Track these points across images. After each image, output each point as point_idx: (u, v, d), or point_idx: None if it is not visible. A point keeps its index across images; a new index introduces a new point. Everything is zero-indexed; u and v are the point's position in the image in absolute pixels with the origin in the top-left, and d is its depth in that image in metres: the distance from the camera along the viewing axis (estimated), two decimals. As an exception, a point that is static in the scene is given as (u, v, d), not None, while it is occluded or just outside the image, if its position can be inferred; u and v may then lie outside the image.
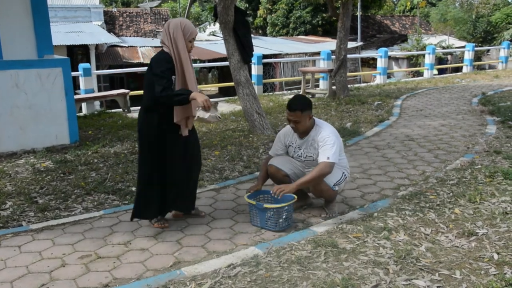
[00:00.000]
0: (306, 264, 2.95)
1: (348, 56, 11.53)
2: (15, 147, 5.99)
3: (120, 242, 3.44)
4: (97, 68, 17.94)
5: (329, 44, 19.37)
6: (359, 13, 23.53)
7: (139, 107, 3.66)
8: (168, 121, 3.43)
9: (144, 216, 3.67)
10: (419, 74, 18.64)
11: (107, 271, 3.02)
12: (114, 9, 26.98)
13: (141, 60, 18.76)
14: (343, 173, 3.85)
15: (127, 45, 20.41)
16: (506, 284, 2.65)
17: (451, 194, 4.16)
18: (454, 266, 2.90)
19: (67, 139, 6.35)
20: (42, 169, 5.31)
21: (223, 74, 20.82)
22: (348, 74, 12.39)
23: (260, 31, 27.45)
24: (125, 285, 2.83)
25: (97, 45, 18.41)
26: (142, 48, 20.49)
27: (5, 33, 6.53)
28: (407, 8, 36.26)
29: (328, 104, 9.60)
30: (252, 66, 11.96)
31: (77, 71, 9.68)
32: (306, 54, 19.21)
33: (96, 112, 9.11)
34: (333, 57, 11.36)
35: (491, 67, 21.15)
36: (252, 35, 7.60)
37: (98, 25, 21.73)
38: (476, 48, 17.75)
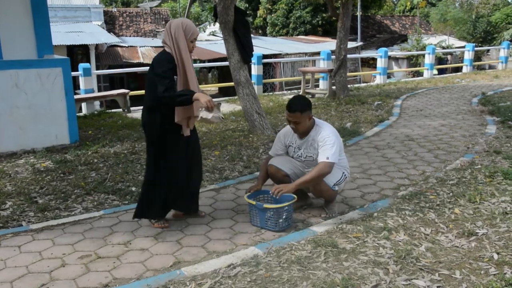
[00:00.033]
0: (306, 264, 2.95)
1: (348, 56, 11.53)
2: (15, 147, 5.99)
3: (120, 242, 3.44)
4: (97, 68, 17.94)
5: (329, 44, 19.37)
6: (359, 13, 23.54)
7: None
8: (170, 121, 3.44)
9: (147, 216, 3.67)
10: (419, 74, 18.64)
11: (107, 271, 3.02)
12: (114, 9, 26.99)
13: (141, 60, 18.77)
14: (343, 173, 3.85)
15: (127, 45, 20.41)
16: (506, 284, 2.65)
17: (451, 194, 4.16)
18: (454, 266, 2.90)
19: (67, 139, 6.35)
20: (42, 169, 5.31)
21: (223, 74, 20.82)
22: (348, 74, 12.39)
23: (260, 31, 27.45)
24: (125, 285, 2.83)
25: (97, 45, 18.41)
26: (142, 48, 20.50)
27: (5, 33, 6.53)
28: (407, 8, 36.27)
29: (328, 104, 9.60)
30: (252, 66, 11.96)
31: (77, 71, 9.67)
32: (306, 54, 19.22)
33: (96, 112, 9.10)
34: (333, 57, 11.36)
35: (491, 67, 21.16)
36: (252, 35, 7.60)
37: (98, 25, 21.73)
38: (476, 48, 17.75)
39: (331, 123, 6.49)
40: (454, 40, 26.18)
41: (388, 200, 4.11)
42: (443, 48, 22.22)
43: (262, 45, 18.76)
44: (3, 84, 5.85)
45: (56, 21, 19.45)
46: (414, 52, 20.45)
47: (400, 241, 3.24)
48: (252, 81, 9.67)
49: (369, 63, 22.96)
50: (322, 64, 13.37)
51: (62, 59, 6.51)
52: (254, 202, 3.58)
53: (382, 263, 2.93)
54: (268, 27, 26.81)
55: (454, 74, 16.83)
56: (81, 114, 8.88)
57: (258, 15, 26.65)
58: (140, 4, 32.29)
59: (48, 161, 5.61)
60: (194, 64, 3.62)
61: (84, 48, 18.52)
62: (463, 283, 2.70)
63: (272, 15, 26.33)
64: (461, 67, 17.50)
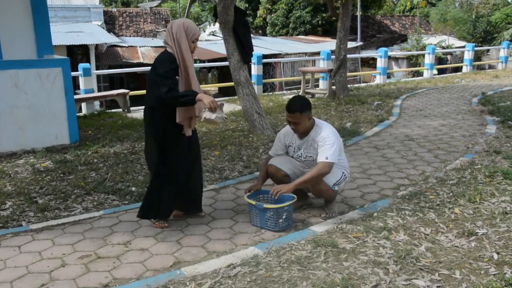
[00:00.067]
0: (306, 264, 2.95)
1: (348, 56, 11.53)
2: (14, 147, 5.99)
3: (120, 242, 3.44)
4: (97, 68, 17.94)
5: (329, 44, 19.36)
6: (359, 13, 23.53)
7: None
8: (172, 121, 3.44)
9: (154, 216, 3.66)
10: (419, 74, 18.64)
11: (107, 271, 3.02)
12: (114, 9, 26.99)
13: (141, 60, 18.77)
14: (343, 173, 3.85)
15: (127, 45, 20.41)
16: (506, 284, 2.65)
17: (451, 194, 4.16)
18: (454, 266, 2.90)
19: (67, 139, 6.35)
20: (42, 169, 5.31)
21: (223, 74, 20.82)
22: (348, 74, 12.39)
23: (260, 31, 27.45)
24: (125, 285, 2.83)
25: (97, 45, 18.41)
26: (142, 48, 20.50)
27: (5, 33, 6.53)
28: (407, 8, 36.26)
29: (328, 104, 9.60)
30: (252, 66, 11.96)
31: (77, 71, 9.67)
32: (306, 54, 19.21)
33: (96, 112, 9.10)
34: (333, 57, 11.36)
35: (491, 67, 21.15)
36: (252, 35, 7.60)
37: (98, 25, 21.73)
38: (476, 48, 17.75)
39: (331, 123, 6.49)
40: (454, 40, 26.18)
41: (388, 200, 4.12)
42: (443, 48, 22.21)
43: (262, 45, 18.75)
44: (3, 84, 5.85)
45: (56, 21, 19.46)
46: (414, 52, 20.45)
47: (400, 241, 3.24)
48: (252, 81, 9.66)
49: (369, 63, 22.97)
50: (322, 64, 13.37)
51: (62, 59, 6.51)
52: (254, 202, 3.58)
53: (382, 263, 2.93)
54: (268, 27, 26.81)
55: (454, 74, 16.83)
56: (81, 114, 8.88)
57: (258, 15, 26.64)
58: (140, 4, 32.30)
59: (48, 161, 5.61)
60: (194, 64, 3.62)
61: (84, 48, 18.52)
62: (463, 283, 2.70)
63: (272, 15, 26.33)
64: (461, 67, 17.50)
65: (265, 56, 13.72)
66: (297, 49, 19.74)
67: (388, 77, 17.17)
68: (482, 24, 26.76)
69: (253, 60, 11.55)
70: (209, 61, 17.55)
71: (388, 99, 10.10)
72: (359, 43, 22.68)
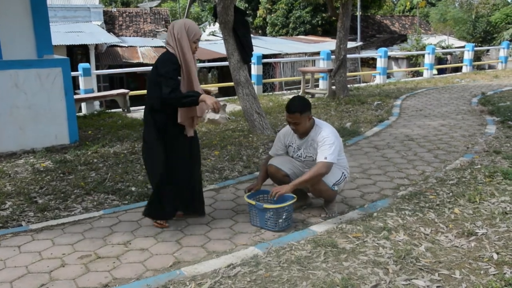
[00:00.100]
0: (306, 264, 2.95)
1: (348, 56, 11.53)
2: (14, 147, 5.99)
3: (120, 242, 3.44)
4: (97, 68, 17.94)
5: (328, 44, 19.37)
6: (358, 13, 23.54)
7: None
8: (173, 121, 3.44)
9: (161, 217, 3.66)
10: (418, 74, 18.65)
11: (106, 271, 3.02)
12: (114, 9, 26.98)
13: (141, 60, 18.76)
14: (343, 173, 3.85)
15: (126, 45, 20.41)
16: (505, 284, 2.65)
17: (450, 194, 4.16)
18: (454, 266, 2.90)
19: (66, 139, 6.35)
20: (42, 169, 5.31)
21: (223, 74, 20.82)
22: (348, 74, 12.40)
23: (260, 31, 27.45)
24: (125, 285, 2.83)
25: (96, 45, 18.41)
26: (142, 48, 20.50)
27: (5, 33, 6.53)
28: (407, 8, 36.28)
29: (327, 104, 9.60)
30: (252, 66, 11.96)
31: (77, 71, 9.67)
32: (305, 54, 19.22)
33: (95, 112, 9.10)
34: (333, 57, 11.36)
35: (490, 67, 21.16)
36: (251, 35, 7.60)
37: (98, 25, 21.72)
38: (475, 48, 17.76)
39: (331, 123, 6.49)
40: (453, 40, 26.19)
41: (388, 200, 4.12)
42: (443, 48, 22.22)
43: (262, 45, 18.76)
44: (3, 84, 5.85)
45: (55, 21, 19.45)
46: (414, 52, 20.46)
47: (400, 241, 3.24)
48: (252, 81, 9.66)
49: (369, 63, 22.98)
50: (322, 64, 13.38)
51: (61, 59, 6.51)
52: (254, 202, 3.58)
53: (382, 263, 2.93)
54: (268, 27, 26.81)
55: (453, 74, 16.84)
56: (81, 114, 8.88)
57: (258, 15, 26.65)
58: (140, 4, 32.29)
59: (48, 161, 5.61)
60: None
61: (84, 48, 18.51)
62: (462, 283, 2.70)
63: (272, 15, 26.33)
64: (461, 67, 17.50)
65: (265, 56, 13.72)
66: (297, 49, 19.74)
67: (388, 77, 17.18)
68: (482, 24, 26.77)
69: (253, 60, 11.55)
70: (209, 61, 17.55)
71: (388, 99, 10.10)
72: (359, 43, 22.69)
